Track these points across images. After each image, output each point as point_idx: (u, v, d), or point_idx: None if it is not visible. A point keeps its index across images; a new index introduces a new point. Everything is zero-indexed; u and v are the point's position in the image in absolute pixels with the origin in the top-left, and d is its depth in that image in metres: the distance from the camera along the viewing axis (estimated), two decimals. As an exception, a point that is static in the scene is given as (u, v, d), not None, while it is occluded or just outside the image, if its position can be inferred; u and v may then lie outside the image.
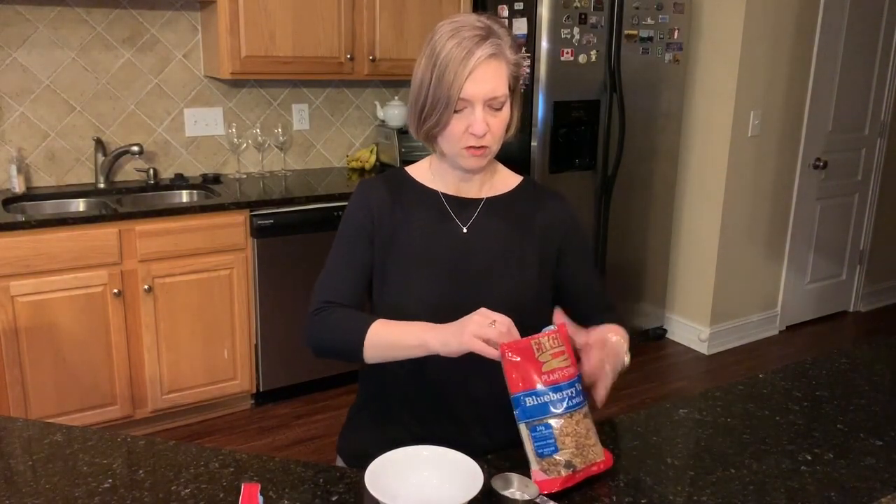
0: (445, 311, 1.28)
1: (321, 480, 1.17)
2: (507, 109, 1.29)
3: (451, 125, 1.27)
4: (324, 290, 1.35)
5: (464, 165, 1.32)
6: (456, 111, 1.26)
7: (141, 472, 1.19)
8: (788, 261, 4.24)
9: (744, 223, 3.98)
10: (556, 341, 1.13)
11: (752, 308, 4.19)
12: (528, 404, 1.11)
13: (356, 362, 1.30)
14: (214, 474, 1.18)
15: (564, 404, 1.12)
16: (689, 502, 1.13)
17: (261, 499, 1.10)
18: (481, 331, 1.12)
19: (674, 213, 4.04)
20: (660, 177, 3.90)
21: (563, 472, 1.11)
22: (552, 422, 1.11)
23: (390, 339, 1.24)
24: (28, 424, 1.34)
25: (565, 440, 1.11)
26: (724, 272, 3.97)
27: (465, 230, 1.37)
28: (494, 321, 1.13)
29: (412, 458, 1.14)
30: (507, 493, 1.08)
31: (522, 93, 1.36)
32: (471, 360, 1.22)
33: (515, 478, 1.11)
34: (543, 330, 1.15)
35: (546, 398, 1.11)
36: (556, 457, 1.11)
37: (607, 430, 1.35)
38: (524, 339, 1.12)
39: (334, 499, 1.12)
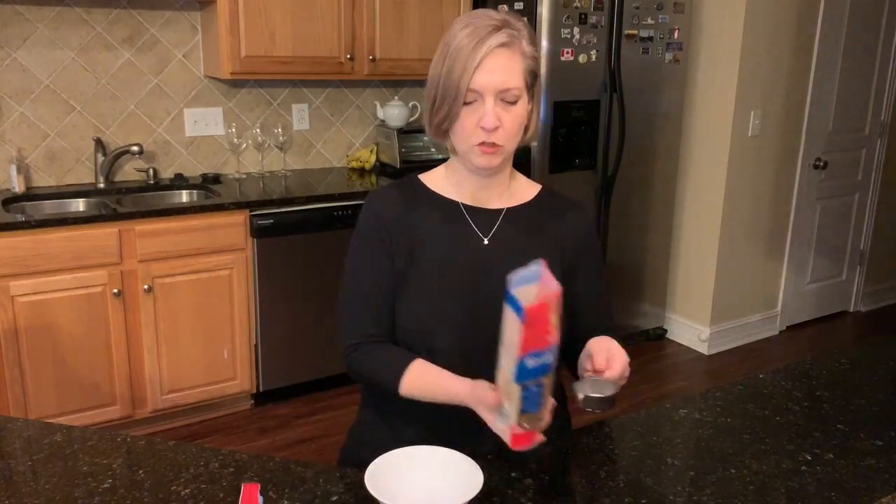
0: (466, 326, 1.27)
1: (321, 480, 1.17)
2: (521, 106, 1.24)
3: (461, 118, 1.23)
4: (356, 320, 1.33)
5: (476, 163, 1.27)
6: (466, 103, 1.22)
7: (141, 472, 1.19)
8: (788, 261, 4.24)
9: (744, 223, 3.98)
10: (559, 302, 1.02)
11: (752, 308, 4.19)
12: (529, 365, 1.01)
13: None
14: (214, 474, 1.18)
15: (552, 362, 1.04)
16: (689, 502, 1.13)
17: (261, 499, 1.09)
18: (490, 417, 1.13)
19: (674, 213, 4.04)
20: (660, 177, 3.90)
21: (529, 427, 1.07)
22: (544, 380, 1.04)
23: (423, 392, 1.27)
24: (28, 424, 1.34)
25: (547, 396, 1.07)
26: (724, 272, 3.97)
27: (486, 241, 1.33)
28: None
29: (412, 458, 1.14)
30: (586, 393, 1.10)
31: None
32: (474, 364, 1.22)
33: (588, 383, 1.13)
34: (547, 282, 1.02)
35: (548, 359, 1.03)
36: (537, 412, 1.06)
37: (607, 430, 1.35)
38: (544, 301, 0.99)
39: (334, 499, 1.12)
